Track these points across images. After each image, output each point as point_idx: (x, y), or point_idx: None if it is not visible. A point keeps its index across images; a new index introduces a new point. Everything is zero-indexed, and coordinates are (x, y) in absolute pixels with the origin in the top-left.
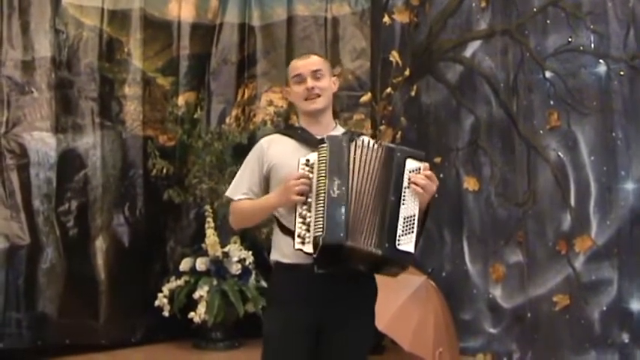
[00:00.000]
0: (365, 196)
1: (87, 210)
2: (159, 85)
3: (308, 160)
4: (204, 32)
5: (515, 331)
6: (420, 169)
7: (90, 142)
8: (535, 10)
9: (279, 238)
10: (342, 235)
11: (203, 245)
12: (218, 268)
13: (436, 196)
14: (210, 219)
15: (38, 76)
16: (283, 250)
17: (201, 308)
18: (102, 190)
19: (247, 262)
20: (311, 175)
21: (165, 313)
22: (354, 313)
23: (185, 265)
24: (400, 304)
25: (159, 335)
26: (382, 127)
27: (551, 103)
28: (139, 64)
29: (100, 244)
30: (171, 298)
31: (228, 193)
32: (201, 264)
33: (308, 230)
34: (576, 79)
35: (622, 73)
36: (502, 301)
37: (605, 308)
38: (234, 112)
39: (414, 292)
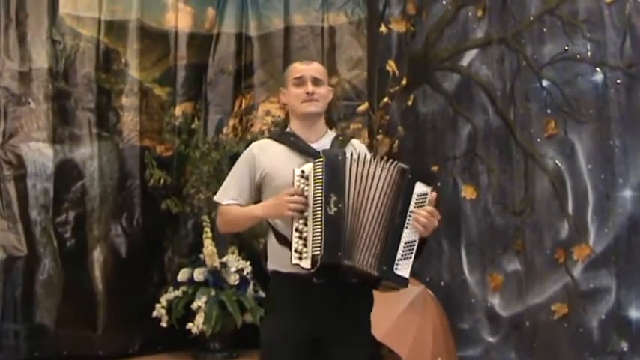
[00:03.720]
0: (365, 213)
1: (84, 221)
2: (156, 95)
3: (303, 172)
4: (201, 42)
5: (514, 339)
6: (427, 194)
7: (87, 152)
8: (531, 18)
9: (275, 248)
10: (339, 254)
11: (201, 255)
12: (216, 279)
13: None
14: (207, 229)
15: (35, 87)
16: (281, 260)
17: (199, 319)
18: (99, 201)
19: (245, 272)
20: (306, 189)
21: (163, 324)
22: (352, 325)
23: (183, 275)
24: (398, 314)
25: (157, 346)
26: (379, 137)
27: (548, 111)
28: (136, 75)
29: (97, 254)
30: (169, 309)
31: (216, 198)
32: (199, 274)
33: (305, 245)
34: (573, 88)
35: (619, 81)
36: (500, 310)
37: (603, 316)
38: (231, 122)
39: (412, 301)
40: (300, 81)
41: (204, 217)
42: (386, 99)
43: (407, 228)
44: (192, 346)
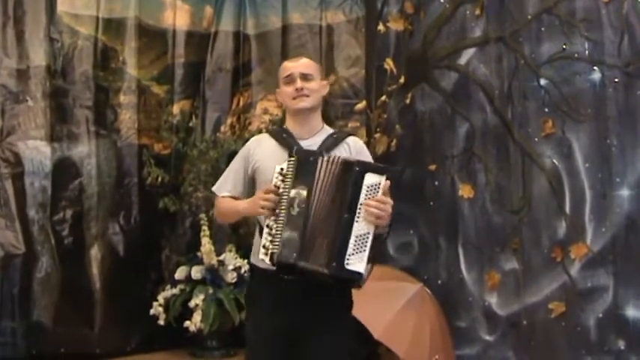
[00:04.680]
0: (322, 214)
1: (82, 219)
2: (154, 93)
3: (282, 169)
4: (199, 40)
5: (511, 338)
6: (379, 184)
7: (85, 150)
8: (529, 17)
9: (256, 242)
10: (294, 254)
11: (198, 254)
12: (213, 277)
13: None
14: (205, 227)
15: (33, 85)
16: (258, 255)
17: (197, 317)
18: (97, 199)
19: (243, 271)
20: (282, 185)
21: (161, 322)
22: (326, 320)
23: (180, 273)
24: (396, 312)
25: (154, 344)
26: (377, 135)
27: (546, 110)
28: (134, 73)
29: (95, 252)
30: (166, 307)
31: (214, 188)
32: (196, 272)
33: (272, 242)
34: (571, 87)
35: (616, 79)
36: (498, 309)
37: (600, 315)
38: (229, 121)
39: (410, 299)
40: (289, 79)
41: (202, 216)
42: (384, 97)
43: (357, 221)
44: (189, 344)
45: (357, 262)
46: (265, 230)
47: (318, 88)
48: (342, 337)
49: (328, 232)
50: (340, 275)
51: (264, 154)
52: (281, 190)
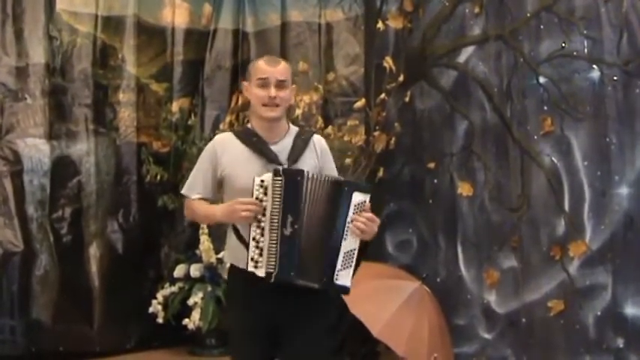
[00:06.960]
0: (313, 232)
1: (81, 216)
2: (153, 91)
3: (262, 182)
4: (198, 38)
5: (510, 336)
6: (364, 202)
7: (84, 148)
8: (529, 15)
9: (233, 243)
10: (292, 274)
11: (197, 252)
12: (212, 275)
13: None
14: (204, 225)
15: (32, 83)
16: (238, 257)
17: (196, 315)
18: (96, 197)
19: None
20: (264, 198)
21: (160, 320)
22: (308, 316)
23: (179, 271)
24: (395, 310)
25: (153, 342)
26: (376, 133)
27: (545, 108)
28: (133, 71)
29: (93, 250)
30: (165, 305)
31: (184, 191)
32: (195, 270)
33: (261, 255)
34: (570, 85)
35: (615, 78)
36: (496, 307)
37: (599, 313)
38: (228, 119)
39: (409, 297)
40: (264, 82)
41: None
42: (383, 95)
43: (345, 239)
44: (188, 342)
45: (345, 276)
46: (252, 243)
47: (289, 96)
48: (324, 331)
49: (320, 249)
50: (329, 289)
51: (234, 159)
52: (265, 204)
